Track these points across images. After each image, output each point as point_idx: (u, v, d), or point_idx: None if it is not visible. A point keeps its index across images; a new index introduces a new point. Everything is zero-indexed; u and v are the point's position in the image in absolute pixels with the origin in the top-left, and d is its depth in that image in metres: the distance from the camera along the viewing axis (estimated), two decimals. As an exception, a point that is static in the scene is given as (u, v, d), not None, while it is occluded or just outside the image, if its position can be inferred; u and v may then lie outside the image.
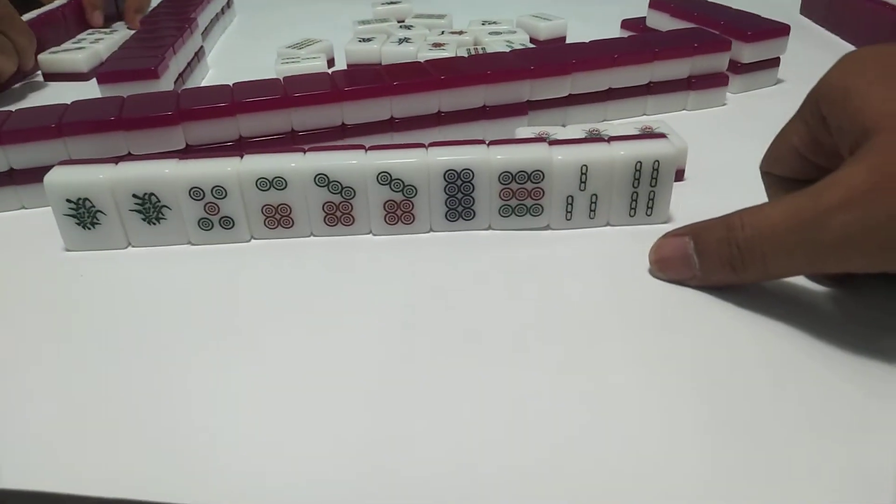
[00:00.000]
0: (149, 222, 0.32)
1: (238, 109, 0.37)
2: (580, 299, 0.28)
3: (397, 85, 0.39)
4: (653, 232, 0.30)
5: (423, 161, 0.31)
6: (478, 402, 0.23)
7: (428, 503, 0.20)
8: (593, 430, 0.22)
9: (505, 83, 0.40)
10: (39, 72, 0.57)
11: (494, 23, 0.58)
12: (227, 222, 0.32)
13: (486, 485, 0.20)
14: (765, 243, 0.25)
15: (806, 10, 0.66)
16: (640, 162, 0.31)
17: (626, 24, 0.59)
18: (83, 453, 0.22)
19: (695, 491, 0.20)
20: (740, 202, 0.26)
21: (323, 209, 0.32)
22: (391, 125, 0.40)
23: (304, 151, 0.32)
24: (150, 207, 0.31)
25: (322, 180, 0.31)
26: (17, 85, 0.55)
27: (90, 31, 0.64)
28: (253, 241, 0.33)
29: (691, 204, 0.33)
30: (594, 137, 0.34)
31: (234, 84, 0.39)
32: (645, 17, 0.57)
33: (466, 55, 0.48)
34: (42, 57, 0.56)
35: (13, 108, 0.38)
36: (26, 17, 0.58)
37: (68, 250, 0.33)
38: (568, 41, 0.58)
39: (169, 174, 0.31)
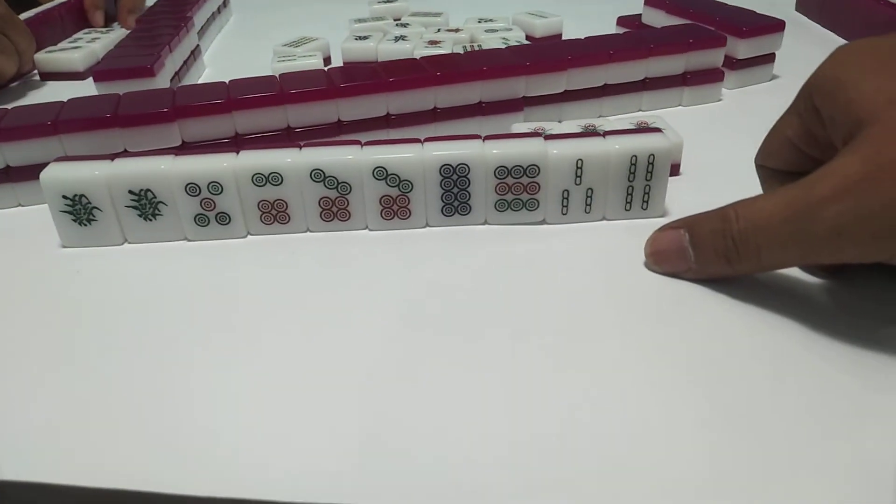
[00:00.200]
0: (145, 218, 0.32)
1: (234, 106, 0.37)
2: (576, 293, 0.28)
3: (393, 81, 0.39)
4: (648, 226, 0.30)
5: (419, 156, 0.31)
6: (475, 395, 0.23)
7: (425, 496, 0.20)
8: (591, 424, 0.22)
9: (501, 79, 0.41)
10: (36, 71, 0.57)
11: (490, 20, 0.59)
12: (224, 218, 0.32)
13: (483, 478, 0.20)
14: (759, 235, 0.25)
15: (801, 7, 0.66)
16: (636, 156, 0.31)
17: (621, 20, 0.59)
18: (80, 446, 0.22)
19: (694, 483, 0.20)
20: (735, 197, 0.26)
21: (319, 204, 0.32)
22: (387, 122, 0.40)
23: (300, 147, 0.32)
24: (146, 203, 0.32)
25: (318, 175, 0.31)
26: (13, 84, 0.55)
27: (87, 30, 0.64)
28: (249, 236, 0.33)
29: (687, 199, 0.33)
30: (589, 132, 0.34)
31: (230, 81, 0.39)
32: (641, 14, 0.57)
33: (462, 52, 0.48)
34: (39, 56, 0.56)
35: (9, 106, 0.38)
36: (23, 16, 0.58)
37: (65, 247, 0.33)
38: (564, 38, 0.58)
39: (165, 170, 0.31)
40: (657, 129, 0.32)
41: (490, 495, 0.20)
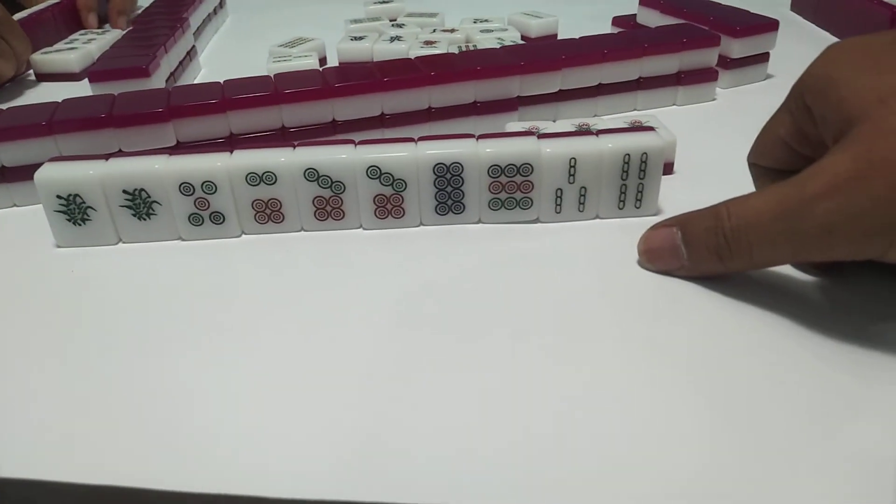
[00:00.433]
0: (139, 218, 0.32)
1: (228, 106, 0.37)
2: (571, 291, 0.28)
3: (388, 81, 0.39)
4: (642, 224, 0.30)
5: (412, 155, 0.31)
6: (470, 394, 0.23)
7: (422, 493, 0.20)
8: (588, 421, 0.22)
9: (495, 79, 0.41)
10: (31, 71, 0.57)
11: (486, 21, 0.59)
12: (218, 217, 0.32)
13: (479, 476, 0.20)
14: (750, 232, 0.25)
15: (796, 7, 0.67)
16: (629, 154, 0.31)
17: (616, 20, 0.59)
18: (78, 444, 0.22)
19: (691, 481, 0.20)
20: (729, 195, 0.26)
21: (313, 204, 0.32)
22: (382, 121, 0.40)
23: (294, 146, 0.32)
24: (140, 203, 0.32)
25: (312, 175, 0.31)
26: (7, 84, 0.55)
27: (82, 31, 0.64)
28: (243, 235, 0.33)
29: (680, 197, 0.33)
30: (583, 131, 0.34)
31: (224, 81, 0.39)
32: (636, 14, 0.57)
33: (457, 52, 0.48)
34: (35, 57, 0.56)
35: (4, 106, 0.38)
36: (15, 17, 0.58)
37: (59, 246, 0.33)
38: (559, 38, 0.59)
39: (159, 169, 0.31)
40: (650, 128, 0.32)
41: (487, 492, 0.20)
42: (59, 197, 0.31)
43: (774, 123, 0.28)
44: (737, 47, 0.47)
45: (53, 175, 0.31)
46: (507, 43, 0.52)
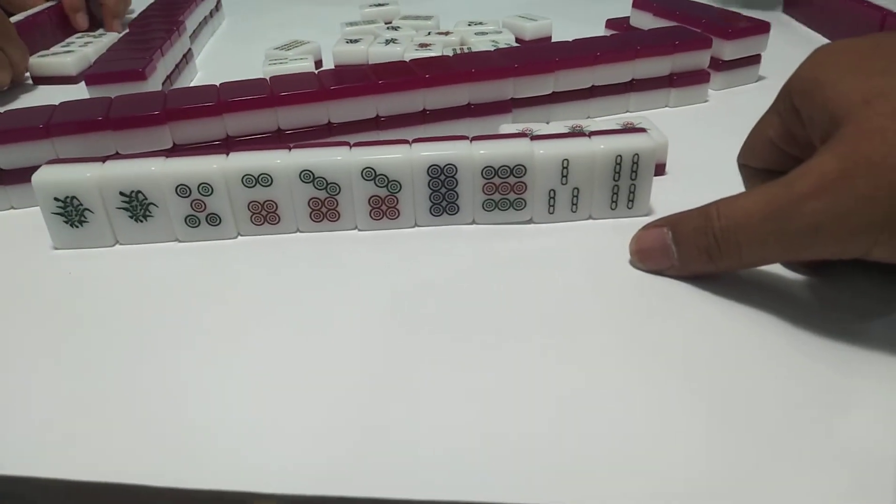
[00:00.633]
0: (136, 220, 0.32)
1: (224, 109, 0.37)
2: (564, 291, 0.29)
3: (383, 84, 0.39)
4: (634, 224, 0.30)
5: (407, 156, 0.31)
6: (465, 394, 0.24)
7: (417, 490, 0.20)
8: (581, 419, 0.22)
9: (489, 81, 0.41)
10: (28, 75, 0.57)
11: (480, 23, 0.59)
12: (214, 219, 0.32)
13: (474, 474, 0.21)
14: (740, 232, 0.25)
15: (789, 9, 0.67)
16: (620, 155, 0.31)
17: (610, 23, 0.59)
18: (75, 442, 0.22)
19: (688, 478, 0.20)
20: (720, 196, 0.27)
21: (309, 205, 0.32)
22: (377, 124, 0.40)
23: (290, 148, 0.32)
24: (137, 205, 0.32)
25: (307, 176, 0.32)
26: (5, 88, 0.55)
27: (79, 34, 0.64)
28: (240, 237, 0.33)
29: (672, 198, 0.33)
30: (575, 133, 0.35)
31: (220, 84, 0.40)
32: (629, 17, 0.58)
33: (452, 55, 0.49)
34: (32, 60, 0.56)
35: (1, 110, 0.38)
36: (11, 20, 0.58)
37: (56, 248, 0.33)
38: (553, 41, 0.59)
39: (155, 172, 0.31)
40: (642, 130, 0.33)
41: (483, 490, 0.20)
42: (56, 199, 0.31)
43: (764, 125, 0.29)
44: (728, 49, 0.48)
45: (51, 177, 0.31)
46: (501, 45, 0.52)
